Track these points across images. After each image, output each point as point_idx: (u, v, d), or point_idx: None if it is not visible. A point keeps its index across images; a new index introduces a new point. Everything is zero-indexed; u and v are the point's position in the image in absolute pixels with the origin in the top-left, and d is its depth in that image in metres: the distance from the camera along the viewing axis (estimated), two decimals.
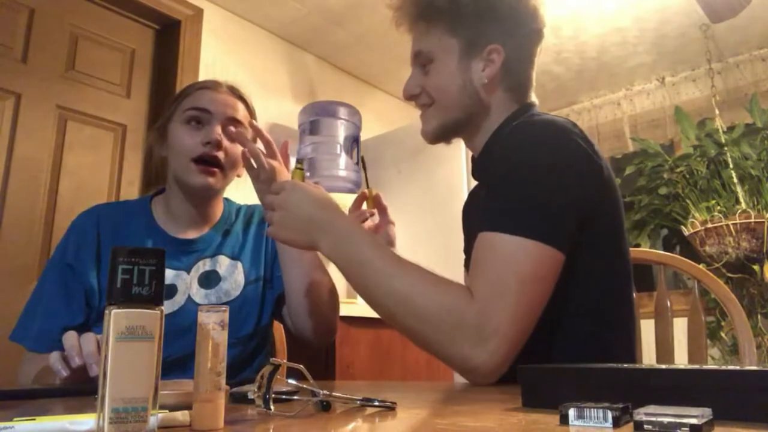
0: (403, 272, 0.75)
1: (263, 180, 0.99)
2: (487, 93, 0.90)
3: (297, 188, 0.84)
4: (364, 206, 1.11)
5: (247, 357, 1.08)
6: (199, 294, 1.05)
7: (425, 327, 0.72)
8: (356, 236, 0.79)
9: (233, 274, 1.10)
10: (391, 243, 1.10)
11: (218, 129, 1.04)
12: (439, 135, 0.95)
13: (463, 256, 1.04)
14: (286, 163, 1.03)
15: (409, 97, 0.95)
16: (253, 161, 0.99)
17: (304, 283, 1.05)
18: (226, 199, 1.19)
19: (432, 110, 0.93)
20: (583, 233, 0.77)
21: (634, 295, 0.92)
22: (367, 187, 1.10)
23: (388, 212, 1.09)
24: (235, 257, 1.12)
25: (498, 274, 0.71)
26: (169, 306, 1.01)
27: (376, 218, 1.10)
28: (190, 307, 1.03)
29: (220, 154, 1.04)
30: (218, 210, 1.15)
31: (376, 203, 1.09)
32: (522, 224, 0.73)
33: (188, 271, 1.07)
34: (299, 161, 0.94)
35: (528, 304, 0.71)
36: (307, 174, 2.47)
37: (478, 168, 0.96)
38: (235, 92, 1.12)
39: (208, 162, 1.03)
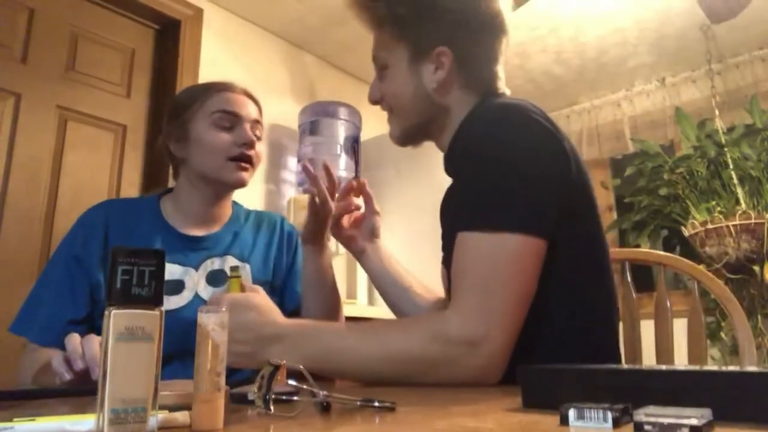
0: (368, 336, 0.74)
1: (318, 219, 1.04)
2: (441, 95, 0.88)
3: (233, 308, 0.75)
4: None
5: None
6: (206, 291, 1.07)
7: (419, 367, 0.71)
8: (305, 332, 0.76)
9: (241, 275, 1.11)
10: (375, 233, 1.10)
11: (249, 130, 1.10)
12: (405, 140, 0.96)
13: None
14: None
15: (373, 102, 0.96)
16: (317, 200, 1.02)
17: (323, 306, 1.10)
18: (234, 201, 1.22)
19: (393, 117, 0.94)
20: (559, 216, 0.75)
21: (616, 288, 0.88)
22: (356, 176, 1.11)
23: (373, 202, 1.09)
24: (243, 259, 1.14)
25: (479, 278, 0.71)
26: (175, 301, 1.03)
27: (362, 210, 1.11)
28: (197, 303, 1.05)
29: (252, 153, 1.10)
30: (228, 210, 1.18)
31: (362, 192, 1.08)
32: (495, 218, 0.72)
33: (196, 268, 1.08)
34: (234, 269, 0.85)
35: (514, 300, 0.71)
36: None
37: (446, 165, 0.94)
38: (248, 93, 1.16)
39: (243, 160, 1.09)
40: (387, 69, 0.92)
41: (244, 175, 1.10)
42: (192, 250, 1.09)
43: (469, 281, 0.71)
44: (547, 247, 0.74)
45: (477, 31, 0.87)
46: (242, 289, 0.81)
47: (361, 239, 1.10)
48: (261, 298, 0.79)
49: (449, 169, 0.93)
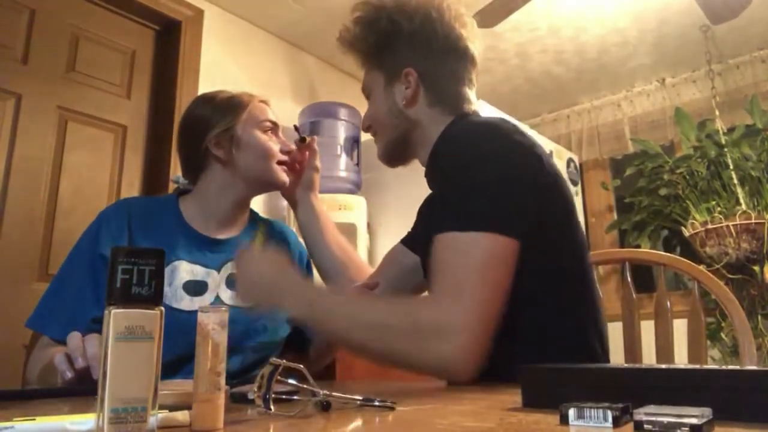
0: (362, 306, 0.81)
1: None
2: (410, 109, 0.98)
3: (256, 258, 0.90)
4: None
5: (250, 366, 1.08)
6: (226, 294, 1.08)
7: (394, 344, 0.75)
8: (314, 293, 0.86)
9: None
10: (311, 188, 1.22)
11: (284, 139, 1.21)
12: (389, 158, 1.05)
13: None
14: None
15: (365, 130, 1.07)
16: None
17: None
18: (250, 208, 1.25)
19: (376, 139, 1.05)
20: (533, 218, 0.80)
21: (598, 291, 0.94)
22: (303, 137, 1.22)
23: (316, 158, 1.22)
24: None
25: (453, 271, 0.75)
26: (198, 302, 1.03)
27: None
28: (218, 305, 1.04)
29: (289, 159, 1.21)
30: (248, 215, 1.22)
31: (308, 148, 1.20)
32: (469, 219, 0.77)
33: (218, 270, 1.10)
34: (262, 219, 1.04)
35: (487, 293, 0.73)
36: None
37: (427, 179, 1.01)
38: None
39: (286, 164, 1.19)
40: (371, 96, 1.05)
41: (287, 177, 1.19)
42: (212, 252, 1.11)
43: (443, 274, 0.76)
44: (521, 247, 0.77)
45: (439, 53, 0.98)
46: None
47: (298, 190, 1.24)
48: (281, 255, 0.93)
49: (429, 183, 1.01)
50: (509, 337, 0.75)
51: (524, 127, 2.88)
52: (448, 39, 0.98)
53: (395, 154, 1.04)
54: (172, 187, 1.26)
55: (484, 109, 2.54)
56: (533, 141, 0.87)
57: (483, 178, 0.80)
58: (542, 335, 0.82)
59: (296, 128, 1.32)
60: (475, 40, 1.01)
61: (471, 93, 1.01)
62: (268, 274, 0.87)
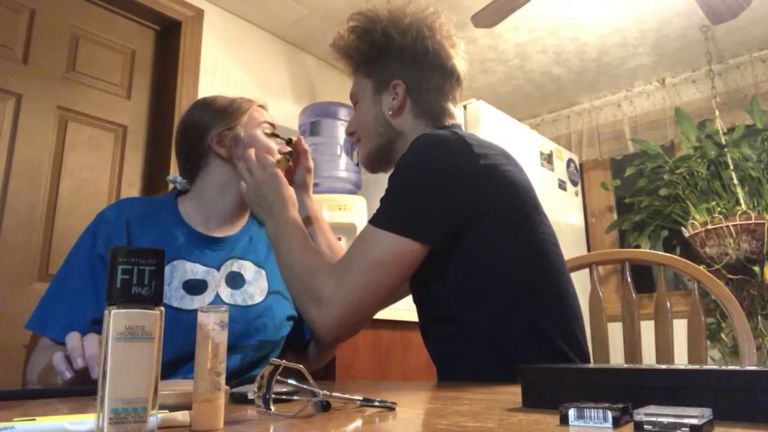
0: (301, 251, 0.94)
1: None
2: (396, 119, 1.05)
3: (275, 179, 1.05)
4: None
5: (250, 364, 1.08)
6: (225, 292, 1.08)
7: (298, 288, 0.92)
8: (289, 229, 0.99)
9: (258, 280, 1.13)
10: (303, 187, 1.21)
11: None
12: (371, 164, 1.11)
13: None
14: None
15: (348, 135, 1.13)
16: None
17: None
18: None
19: (360, 145, 1.11)
20: (469, 227, 0.88)
21: (569, 285, 0.98)
22: (291, 138, 1.21)
23: (308, 156, 1.22)
24: (260, 265, 1.16)
25: (351, 255, 0.88)
26: (198, 301, 1.03)
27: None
28: (218, 304, 1.05)
29: None
30: (247, 214, 1.22)
31: (297, 148, 1.20)
32: (382, 218, 0.88)
33: (218, 269, 1.09)
34: (290, 154, 1.16)
35: (365, 284, 0.85)
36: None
37: None
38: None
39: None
40: (358, 103, 1.10)
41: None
42: (212, 250, 1.11)
43: (346, 254, 0.90)
44: (428, 250, 0.87)
45: (427, 69, 1.04)
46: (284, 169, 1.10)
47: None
48: (291, 191, 1.07)
49: None
50: (456, 334, 0.89)
51: (523, 128, 2.87)
52: (437, 56, 1.04)
53: (377, 161, 1.10)
54: (170, 186, 1.25)
55: (484, 110, 2.54)
56: (486, 153, 0.92)
57: (405, 185, 0.90)
58: (488, 330, 0.89)
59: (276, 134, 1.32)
60: (462, 60, 1.07)
61: (453, 108, 1.08)
62: (274, 198, 1.02)
